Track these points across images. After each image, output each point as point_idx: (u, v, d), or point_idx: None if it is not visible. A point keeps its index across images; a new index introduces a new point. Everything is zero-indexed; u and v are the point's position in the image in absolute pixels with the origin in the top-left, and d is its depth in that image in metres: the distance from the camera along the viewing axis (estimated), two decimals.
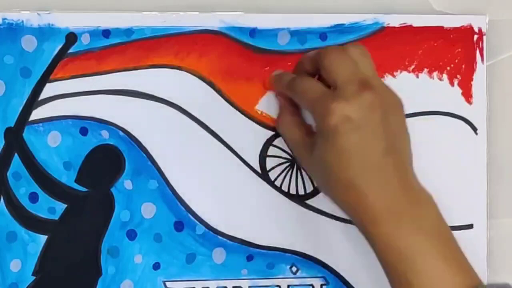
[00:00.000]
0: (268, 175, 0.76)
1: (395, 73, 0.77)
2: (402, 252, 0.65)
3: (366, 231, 0.67)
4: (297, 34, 0.75)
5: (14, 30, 0.72)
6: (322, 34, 0.76)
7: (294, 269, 0.76)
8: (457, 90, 0.78)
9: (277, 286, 0.76)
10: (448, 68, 0.77)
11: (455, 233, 0.74)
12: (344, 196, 0.67)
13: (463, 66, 0.78)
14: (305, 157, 0.71)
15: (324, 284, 0.77)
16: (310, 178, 0.76)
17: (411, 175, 0.68)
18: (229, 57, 0.75)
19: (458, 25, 0.77)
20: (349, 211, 0.68)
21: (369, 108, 0.65)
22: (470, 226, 0.78)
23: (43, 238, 0.73)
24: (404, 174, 0.67)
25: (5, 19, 0.72)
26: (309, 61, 0.72)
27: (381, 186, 0.66)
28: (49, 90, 0.73)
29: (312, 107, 0.68)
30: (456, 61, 0.77)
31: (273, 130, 0.75)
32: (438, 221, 0.67)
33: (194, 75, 0.74)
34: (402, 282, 0.65)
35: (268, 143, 0.76)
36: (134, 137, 0.74)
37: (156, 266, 0.74)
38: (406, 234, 0.65)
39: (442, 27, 0.77)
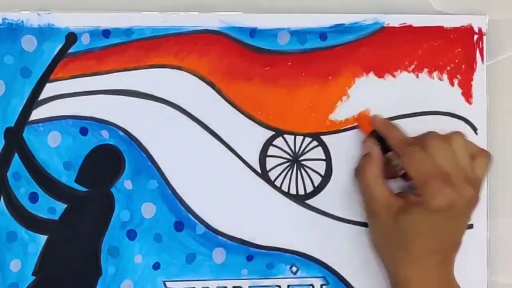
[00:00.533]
0: (268, 175, 0.76)
1: (395, 73, 0.77)
2: None
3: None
4: (297, 34, 0.75)
5: (14, 30, 0.72)
6: (322, 34, 0.76)
7: (294, 269, 0.76)
8: (457, 90, 0.77)
9: (277, 286, 0.76)
10: (448, 68, 0.77)
11: None
12: (392, 262, 0.72)
13: (463, 66, 0.77)
14: (381, 215, 0.72)
15: (324, 284, 0.77)
16: (310, 178, 0.76)
17: (450, 275, 0.72)
18: (229, 57, 0.75)
19: (458, 25, 0.77)
20: (388, 271, 0.73)
21: (469, 203, 0.70)
22: (470, 226, 0.77)
23: (43, 238, 0.73)
24: (444, 272, 0.72)
25: (5, 19, 0.72)
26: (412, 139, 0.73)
27: (418, 276, 0.70)
28: (49, 90, 0.73)
29: (426, 182, 0.69)
30: (456, 61, 0.77)
31: (273, 130, 0.75)
32: None
33: (194, 75, 0.74)
34: None
35: (268, 143, 0.76)
36: (134, 137, 0.74)
37: (156, 266, 0.74)
38: None
39: (442, 27, 0.77)
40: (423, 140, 0.71)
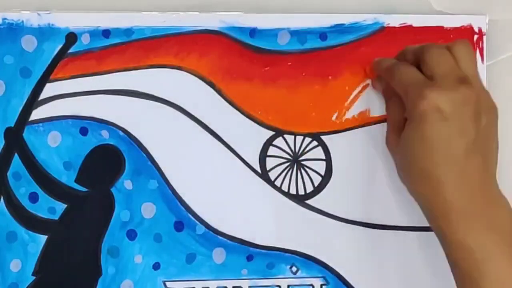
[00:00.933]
0: (268, 175, 0.76)
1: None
2: (471, 251, 0.65)
3: (436, 226, 0.67)
4: (297, 34, 0.76)
5: (14, 30, 0.73)
6: (322, 34, 0.76)
7: (294, 269, 0.76)
8: None
9: (277, 286, 0.76)
10: None
11: None
12: (421, 186, 0.67)
13: None
14: (393, 139, 0.72)
15: (324, 284, 0.77)
16: (310, 178, 0.76)
17: (491, 179, 0.68)
18: (229, 57, 0.75)
19: (458, 25, 0.77)
20: (423, 202, 0.68)
21: (462, 102, 0.66)
22: None
23: (43, 238, 0.73)
24: (484, 177, 0.67)
25: (5, 19, 0.73)
26: (411, 53, 0.72)
27: (460, 183, 0.66)
28: (49, 90, 0.73)
29: (406, 91, 0.68)
30: None
31: (273, 130, 0.76)
32: None
33: (194, 75, 0.75)
34: (467, 281, 0.65)
35: (268, 143, 0.76)
36: (134, 137, 0.74)
37: (156, 266, 0.75)
38: (478, 233, 0.65)
39: (442, 27, 0.77)
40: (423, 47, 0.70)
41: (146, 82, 0.74)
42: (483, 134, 0.67)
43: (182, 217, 0.75)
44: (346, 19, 0.76)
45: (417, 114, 0.66)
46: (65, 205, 0.74)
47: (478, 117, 0.67)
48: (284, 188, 0.76)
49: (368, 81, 0.77)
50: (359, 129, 0.77)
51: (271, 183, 0.76)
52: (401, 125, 0.70)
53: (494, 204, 0.67)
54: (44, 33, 0.73)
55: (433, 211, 0.67)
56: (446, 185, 0.66)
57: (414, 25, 0.77)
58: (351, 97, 0.77)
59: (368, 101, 0.77)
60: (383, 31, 0.77)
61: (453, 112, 0.66)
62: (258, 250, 0.76)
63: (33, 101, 0.73)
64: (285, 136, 0.76)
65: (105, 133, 0.74)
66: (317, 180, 0.77)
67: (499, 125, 0.75)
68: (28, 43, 0.73)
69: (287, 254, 0.76)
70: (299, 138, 0.76)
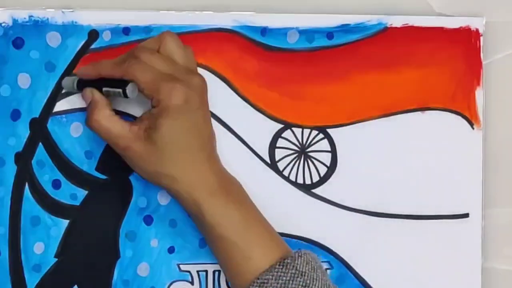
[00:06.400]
0: (277, 165, 0.77)
1: (397, 71, 0.78)
2: (197, 207, 0.69)
3: (192, 212, 0.70)
4: (305, 33, 0.77)
5: (39, 27, 0.73)
6: (329, 33, 0.77)
7: None
8: (455, 87, 0.79)
9: None
10: (447, 66, 0.79)
11: (452, 222, 0.77)
12: (160, 181, 0.70)
13: (461, 64, 0.79)
14: (134, 146, 0.69)
15: (328, 268, 0.78)
16: (316, 169, 0.78)
17: (214, 157, 0.71)
18: (241, 54, 0.76)
19: (457, 26, 0.79)
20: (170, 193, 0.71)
21: (200, 89, 0.69)
22: (466, 215, 0.79)
23: (65, 223, 0.74)
24: (208, 156, 0.70)
25: (31, 16, 0.73)
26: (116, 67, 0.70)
27: (189, 168, 0.69)
28: None
29: (150, 90, 0.68)
30: (455, 60, 0.79)
31: (281, 123, 0.77)
32: (246, 197, 0.72)
33: (209, 70, 0.76)
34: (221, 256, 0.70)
35: (277, 135, 0.77)
36: None
37: (171, 250, 0.76)
38: (219, 205, 0.69)
39: (442, 28, 0.78)
40: (133, 53, 0.69)
41: None
42: (196, 117, 0.69)
43: None
44: (351, 19, 0.77)
45: (173, 105, 0.68)
46: (86, 192, 0.75)
47: (187, 103, 0.68)
48: (292, 177, 0.77)
49: (371, 78, 0.78)
50: (363, 123, 0.78)
51: (280, 173, 0.77)
52: (135, 128, 0.70)
53: (229, 181, 0.71)
54: (67, 30, 0.74)
55: (180, 200, 0.70)
56: (177, 174, 0.69)
57: (416, 25, 0.78)
58: (356, 93, 0.78)
59: (372, 96, 0.78)
60: (386, 31, 0.78)
61: (201, 99, 0.69)
62: None
63: (57, 94, 0.74)
64: (293, 129, 0.77)
65: None
66: (323, 170, 0.78)
67: (495, 120, 0.77)
68: (53, 39, 0.74)
69: (293, 239, 0.77)
70: (307, 131, 0.77)
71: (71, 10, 0.74)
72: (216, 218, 0.69)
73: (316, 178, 0.78)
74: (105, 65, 0.71)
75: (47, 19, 0.74)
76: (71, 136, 0.75)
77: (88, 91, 0.72)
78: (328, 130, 0.78)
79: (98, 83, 0.71)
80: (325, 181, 0.78)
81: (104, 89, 0.71)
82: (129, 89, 0.69)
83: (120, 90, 0.69)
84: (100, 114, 0.70)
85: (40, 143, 0.74)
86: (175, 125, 0.68)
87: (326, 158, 0.78)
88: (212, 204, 0.69)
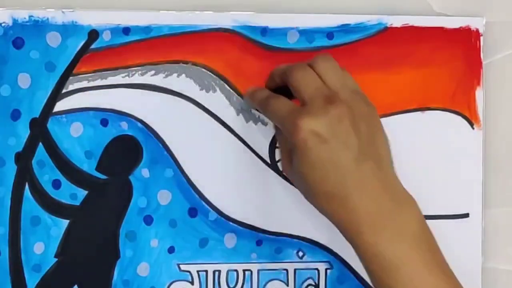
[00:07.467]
0: (277, 165, 0.77)
1: (397, 71, 0.78)
2: (385, 260, 0.64)
3: (350, 240, 0.66)
4: (306, 33, 0.77)
5: (39, 27, 0.74)
6: (329, 33, 0.77)
7: (300, 253, 0.77)
8: (455, 87, 0.79)
9: (284, 269, 0.77)
10: (447, 66, 0.79)
11: (452, 222, 0.77)
12: (327, 206, 0.66)
13: (461, 64, 0.79)
14: (287, 166, 0.70)
15: (328, 268, 0.78)
16: None
17: (392, 178, 0.67)
18: (241, 54, 0.76)
19: (457, 26, 0.79)
20: (333, 220, 0.67)
21: (336, 120, 0.65)
22: (466, 215, 0.79)
23: (65, 223, 0.75)
24: (383, 178, 0.66)
25: (31, 16, 0.73)
26: (278, 76, 0.71)
27: (361, 193, 0.65)
28: (72, 83, 0.74)
29: (282, 123, 0.67)
30: (455, 59, 0.79)
31: None
32: (421, 227, 0.66)
33: (209, 70, 0.76)
34: None
35: None
36: (151, 128, 0.75)
37: (171, 250, 0.76)
38: (389, 242, 0.64)
39: (442, 27, 0.78)
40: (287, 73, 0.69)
41: (163, 77, 0.75)
42: (366, 139, 0.66)
43: (196, 204, 0.76)
44: (351, 19, 0.77)
45: (297, 143, 0.65)
46: (86, 192, 0.75)
47: (356, 126, 0.65)
48: None
49: (372, 78, 0.78)
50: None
51: (280, 172, 0.77)
52: (290, 153, 0.68)
53: (400, 205, 0.66)
54: (67, 29, 0.74)
55: (344, 226, 0.66)
56: (347, 200, 0.65)
57: (416, 25, 0.78)
58: None
59: (372, 96, 0.75)
60: (386, 31, 0.78)
61: (330, 132, 0.64)
62: (267, 235, 0.77)
63: (57, 94, 0.74)
64: None
65: (124, 125, 0.75)
66: None
67: (495, 119, 0.77)
68: (53, 39, 0.74)
69: (294, 239, 0.77)
70: None
71: (71, 10, 0.74)
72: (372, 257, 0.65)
73: None
74: (260, 90, 0.72)
75: (47, 19, 0.74)
76: (71, 136, 0.75)
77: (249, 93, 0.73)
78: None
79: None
80: None
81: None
82: None
83: None
84: (280, 99, 0.69)
85: (40, 143, 0.74)
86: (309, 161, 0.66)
87: None
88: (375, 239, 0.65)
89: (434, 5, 0.79)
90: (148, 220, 0.76)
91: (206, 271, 0.77)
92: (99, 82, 0.75)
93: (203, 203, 0.76)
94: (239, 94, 0.77)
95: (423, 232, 0.66)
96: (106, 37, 0.75)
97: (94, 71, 0.75)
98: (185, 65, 0.76)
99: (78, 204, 0.75)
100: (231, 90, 0.77)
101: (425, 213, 0.76)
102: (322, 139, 0.65)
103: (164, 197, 0.76)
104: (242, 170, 0.76)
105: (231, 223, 0.77)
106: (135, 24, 0.75)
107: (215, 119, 0.76)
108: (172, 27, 0.75)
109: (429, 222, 0.73)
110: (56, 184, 0.75)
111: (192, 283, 0.77)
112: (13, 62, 0.73)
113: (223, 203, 0.77)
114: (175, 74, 0.76)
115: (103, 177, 0.76)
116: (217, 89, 0.76)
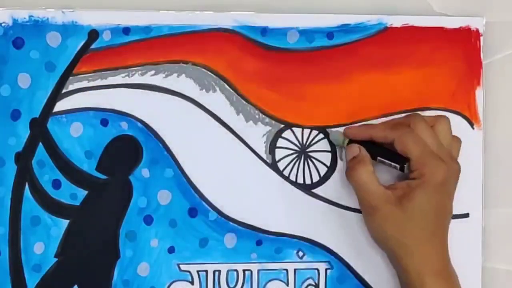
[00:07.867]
0: (277, 165, 0.77)
1: (397, 71, 0.78)
2: None
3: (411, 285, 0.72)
4: (305, 33, 0.77)
5: (39, 27, 0.74)
6: (329, 33, 0.77)
7: (300, 254, 0.78)
8: (455, 87, 0.79)
9: (284, 269, 0.77)
10: (447, 66, 0.79)
11: (452, 222, 0.76)
12: (393, 248, 0.73)
13: (461, 64, 0.79)
14: (383, 209, 0.73)
15: (328, 268, 0.78)
16: (316, 168, 0.78)
17: (446, 238, 0.74)
18: (241, 54, 0.76)
19: (457, 26, 0.79)
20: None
21: (456, 174, 0.73)
22: (466, 215, 0.79)
23: (65, 223, 0.75)
24: (444, 236, 0.74)
25: (31, 16, 0.74)
26: (382, 138, 0.75)
27: (427, 243, 0.72)
28: (72, 83, 0.75)
29: (417, 163, 0.72)
30: (455, 59, 0.79)
31: (282, 123, 0.77)
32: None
33: (209, 70, 0.76)
34: None
35: (278, 135, 0.77)
36: (151, 128, 0.76)
37: (171, 250, 0.76)
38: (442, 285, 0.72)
39: (442, 27, 0.79)
40: (408, 122, 0.74)
41: (164, 77, 0.75)
42: (451, 203, 0.74)
43: (196, 204, 0.76)
44: (351, 19, 0.77)
45: (434, 183, 0.71)
46: (86, 192, 0.75)
47: (453, 187, 0.74)
48: (292, 177, 0.77)
49: (372, 78, 0.78)
50: (364, 123, 0.78)
51: (280, 172, 0.77)
52: (389, 192, 0.73)
53: (453, 274, 0.74)
54: (67, 29, 0.74)
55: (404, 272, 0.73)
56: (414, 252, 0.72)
57: (416, 25, 0.78)
58: (356, 93, 0.78)
59: (372, 96, 0.78)
60: (386, 31, 0.78)
61: (453, 183, 0.73)
62: (267, 235, 0.77)
63: (57, 94, 0.74)
64: (294, 129, 0.77)
65: (124, 125, 0.75)
66: (323, 170, 0.78)
67: (495, 120, 0.77)
68: (53, 39, 0.74)
69: (294, 239, 0.77)
70: (307, 131, 0.77)
71: (71, 10, 0.74)
72: None
73: (316, 178, 0.78)
74: (378, 128, 0.75)
75: (47, 19, 0.74)
76: (71, 136, 0.75)
77: (355, 147, 0.75)
78: (328, 130, 0.78)
79: (369, 143, 0.75)
80: (325, 181, 0.78)
81: (378, 158, 0.75)
82: (407, 166, 0.72)
83: (398, 166, 0.73)
84: (364, 169, 0.74)
85: (40, 143, 0.75)
86: (430, 201, 0.71)
87: (326, 158, 0.78)
88: (436, 283, 0.71)
89: (434, 5, 0.79)
90: (148, 220, 0.76)
91: (206, 271, 0.77)
92: (99, 82, 0.75)
93: (203, 203, 0.77)
94: (239, 94, 0.77)
95: (449, 263, 0.74)
96: (106, 37, 0.75)
97: (94, 71, 0.75)
98: (185, 65, 0.76)
99: (78, 204, 0.75)
100: (231, 90, 0.77)
101: None
102: (443, 190, 0.72)
103: (164, 197, 0.76)
104: (242, 170, 0.77)
105: (231, 223, 0.77)
106: (135, 24, 0.75)
107: (215, 119, 0.76)
108: (172, 27, 0.75)
109: None
110: (56, 184, 0.75)
111: (192, 283, 0.77)
112: (13, 62, 0.74)
113: (223, 203, 0.77)
114: (175, 74, 0.76)
115: (103, 177, 0.76)
116: (217, 89, 0.77)
